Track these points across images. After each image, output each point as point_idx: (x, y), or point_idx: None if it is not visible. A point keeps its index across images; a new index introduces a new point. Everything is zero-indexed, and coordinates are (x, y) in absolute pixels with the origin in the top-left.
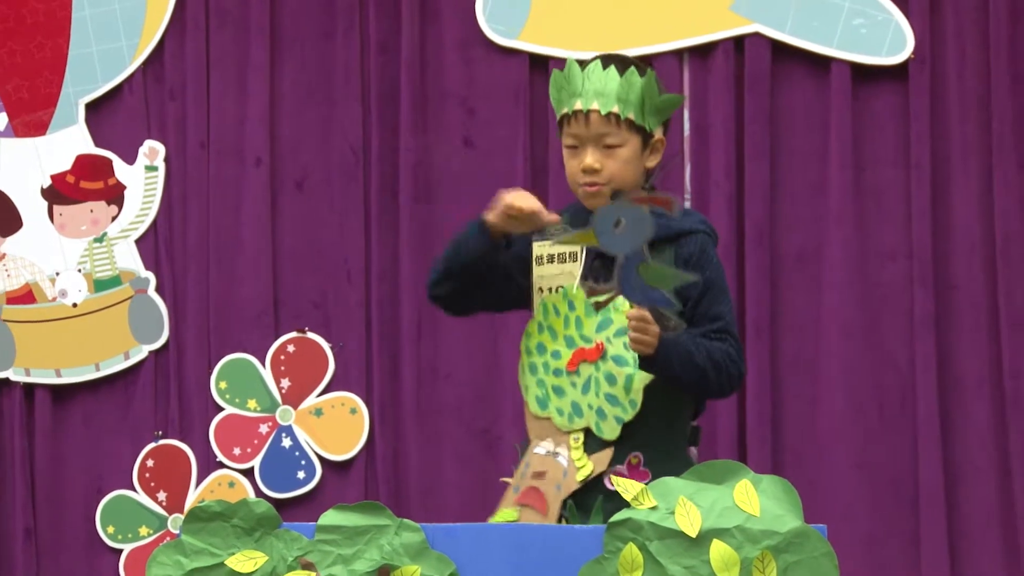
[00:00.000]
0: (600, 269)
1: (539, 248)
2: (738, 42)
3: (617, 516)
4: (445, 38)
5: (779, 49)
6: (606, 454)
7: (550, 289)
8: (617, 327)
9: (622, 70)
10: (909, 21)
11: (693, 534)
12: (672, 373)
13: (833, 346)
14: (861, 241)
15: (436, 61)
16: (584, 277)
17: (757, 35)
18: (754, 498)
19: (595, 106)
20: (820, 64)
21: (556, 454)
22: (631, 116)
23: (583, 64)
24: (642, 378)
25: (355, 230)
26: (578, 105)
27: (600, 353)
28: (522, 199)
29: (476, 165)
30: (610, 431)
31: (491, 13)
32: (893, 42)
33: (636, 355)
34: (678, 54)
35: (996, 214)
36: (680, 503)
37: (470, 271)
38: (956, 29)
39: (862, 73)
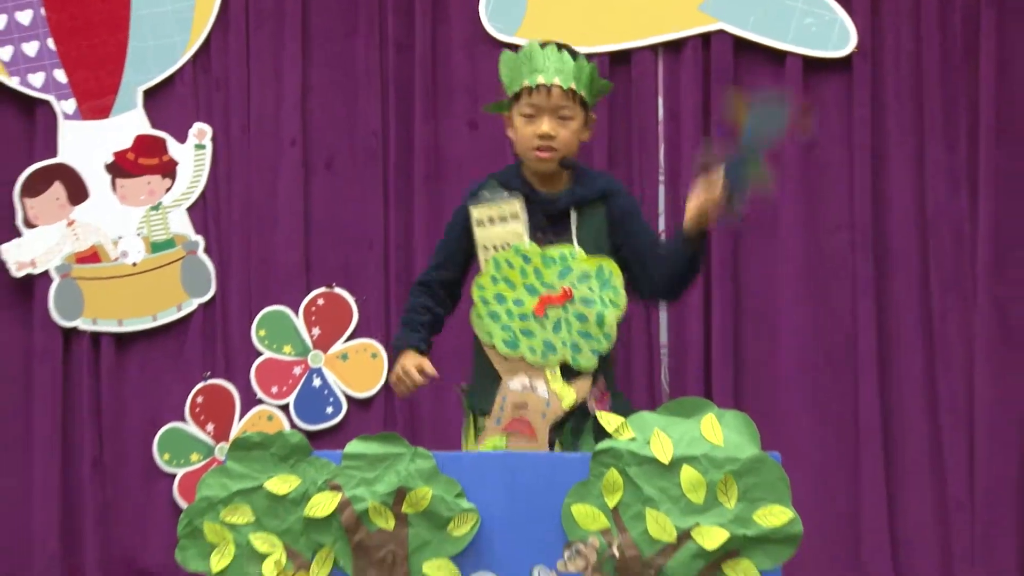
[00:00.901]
0: (547, 227)
1: (476, 212)
2: (705, 38)
3: (600, 445)
4: (453, 36)
5: (741, 44)
6: (585, 382)
7: (496, 247)
8: (579, 273)
9: (574, 55)
10: (853, 20)
11: (666, 461)
12: (704, 254)
13: (787, 302)
14: (810, 212)
15: (445, 56)
16: (533, 233)
17: (722, 32)
18: (718, 430)
19: (557, 81)
20: (776, 57)
21: (533, 388)
22: (583, 94)
23: (542, 46)
24: (613, 314)
25: (375, 202)
26: (541, 79)
27: (568, 297)
28: (415, 375)
29: (480, 146)
30: (587, 362)
31: (492, 13)
32: (839, 38)
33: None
34: (653, 48)
35: (927, 189)
36: (655, 434)
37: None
38: (893, 27)
39: (812, 65)
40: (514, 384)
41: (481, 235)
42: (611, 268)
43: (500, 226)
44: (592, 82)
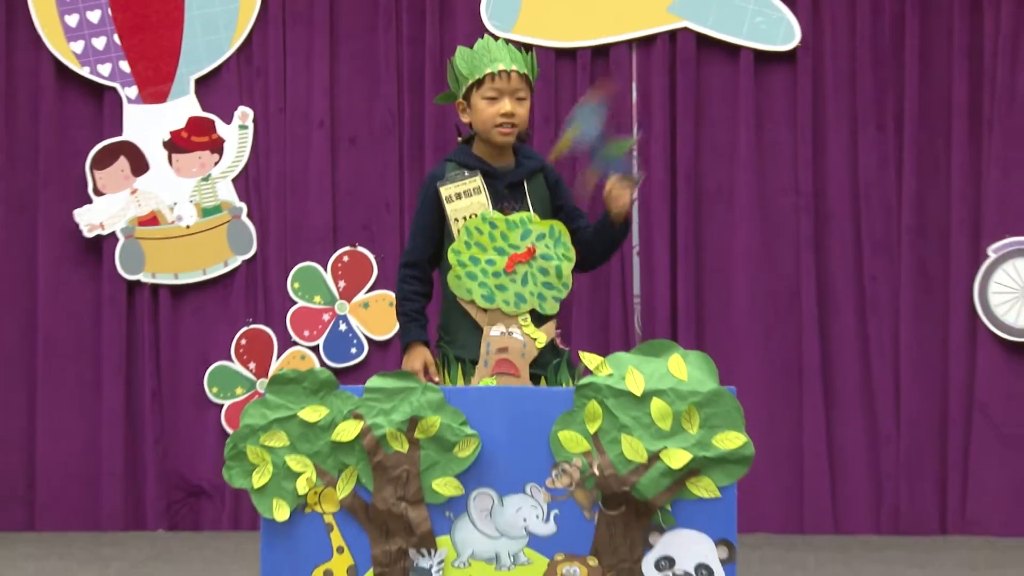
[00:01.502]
0: (509, 197)
1: (445, 191)
2: (672, 35)
3: (582, 381)
4: (457, 31)
5: (702, 40)
6: (551, 325)
7: (465, 217)
8: (537, 233)
9: (520, 48)
10: (797, 19)
11: (638, 393)
12: (626, 233)
13: (740, 258)
14: (761, 181)
15: (451, 48)
16: (494, 203)
17: (686, 29)
18: (683, 368)
19: (515, 68)
20: (732, 51)
21: (511, 333)
22: (532, 79)
23: (495, 40)
24: (567, 266)
25: (392, 174)
26: (502, 67)
27: (532, 255)
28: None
29: None
30: (551, 308)
31: (491, 12)
32: (785, 34)
33: (616, 216)
34: (628, 43)
35: (859, 163)
36: (629, 371)
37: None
38: (832, 25)
39: (762, 57)
40: (494, 332)
41: (451, 209)
42: (560, 228)
43: (466, 200)
44: (535, 71)
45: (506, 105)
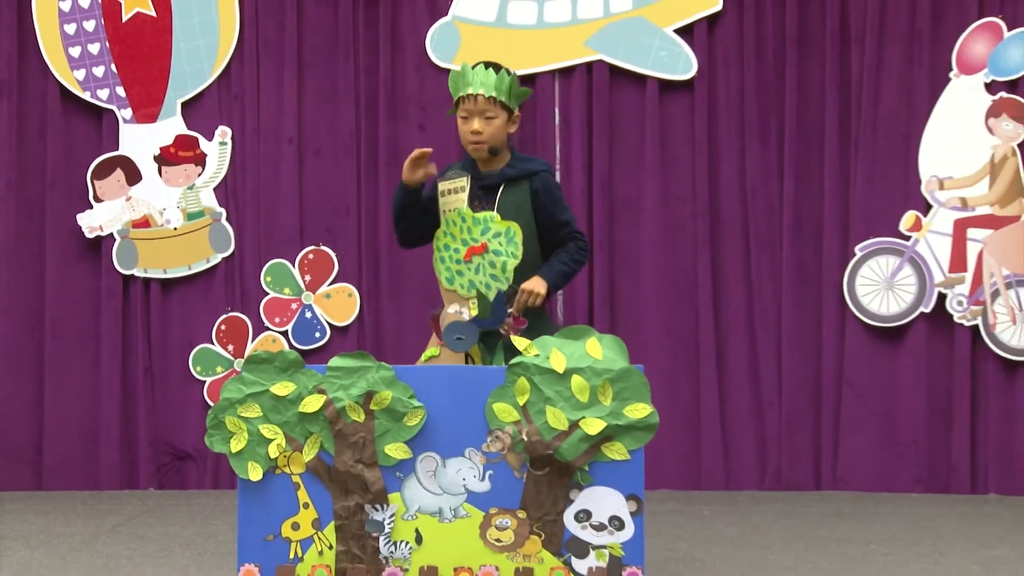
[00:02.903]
0: (482, 196)
1: (442, 185)
2: (589, 66)
3: (513, 361)
4: (407, 62)
5: (615, 70)
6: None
7: (449, 210)
8: (494, 231)
9: (497, 71)
10: (694, 52)
11: (561, 371)
12: (565, 284)
13: (647, 255)
14: (664, 189)
15: (401, 77)
16: (471, 202)
17: (601, 61)
18: (598, 349)
19: (481, 92)
20: (639, 80)
21: (461, 312)
22: (502, 99)
23: (473, 66)
24: (511, 263)
25: (350, 183)
26: (470, 91)
27: (484, 249)
28: (414, 152)
29: (426, 143)
30: (493, 296)
31: (435, 46)
32: (684, 66)
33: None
34: (552, 73)
35: (747, 173)
36: (553, 352)
37: (406, 213)
38: (724, 58)
39: (665, 85)
40: (451, 309)
41: (442, 201)
42: (515, 229)
43: (453, 196)
44: (511, 89)
45: (474, 124)
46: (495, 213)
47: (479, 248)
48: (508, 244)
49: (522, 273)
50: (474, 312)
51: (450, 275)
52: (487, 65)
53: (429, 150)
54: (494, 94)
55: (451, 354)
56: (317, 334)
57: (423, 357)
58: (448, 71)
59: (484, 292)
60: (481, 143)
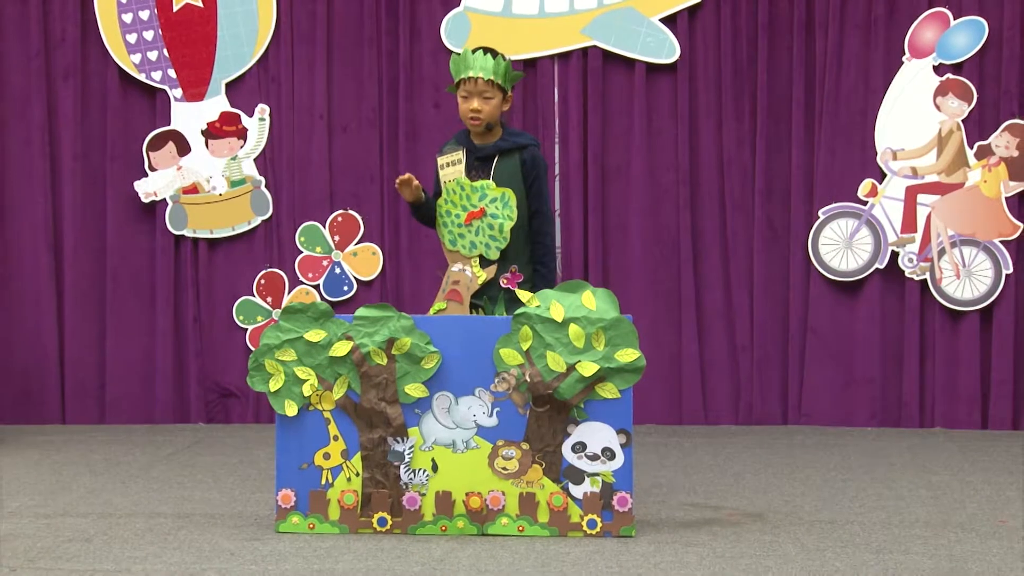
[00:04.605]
0: (478, 167)
1: (440, 160)
2: (584, 51)
3: (517, 312)
4: (424, 48)
5: (607, 55)
6: (492, 268)
7: (448, 181)
8: (491, 197)
9: (494, 56)
10: (677, 39)
11: (559, 320)
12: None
13: (635, 218)
14: (650, 160)
15: (419, 60)
16: (467, 171)
17: (595, 47)
18: (592, 301)
19: (481, 75)
20: (629, 63)
21: (464, 270)
22: (499, 82)
23: (473, 51)
24: (508, 225)
25: (374, 154)
26: (471, 73)
27: (483, 213)
28: (400, 179)
29: (440, 119)
30: (494, 255)
31: (449, 33)
32: (668, 50)
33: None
34: (551, 57)
35: (723, 145)
36: (552, 303)
37: (419, 213)
38: (703, 44)
39: (652, 68)
40: (455, 268)
41: (442, 173)
42: (510, 195)
43: (451, 168)
44: (507, 73)
45: (473, 103)
46: (491, 181)
47: (478, 213)
48: (504, 208)
49: (515, 233)
50: (476, 270)
51: (452, 238)
52: (486, 51)
53: (406, 176)
54: (492, 77)
55: (457, 306)
56: (345, 287)
57: (432, 310)
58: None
59: (484, 252)
60: (479, 120)
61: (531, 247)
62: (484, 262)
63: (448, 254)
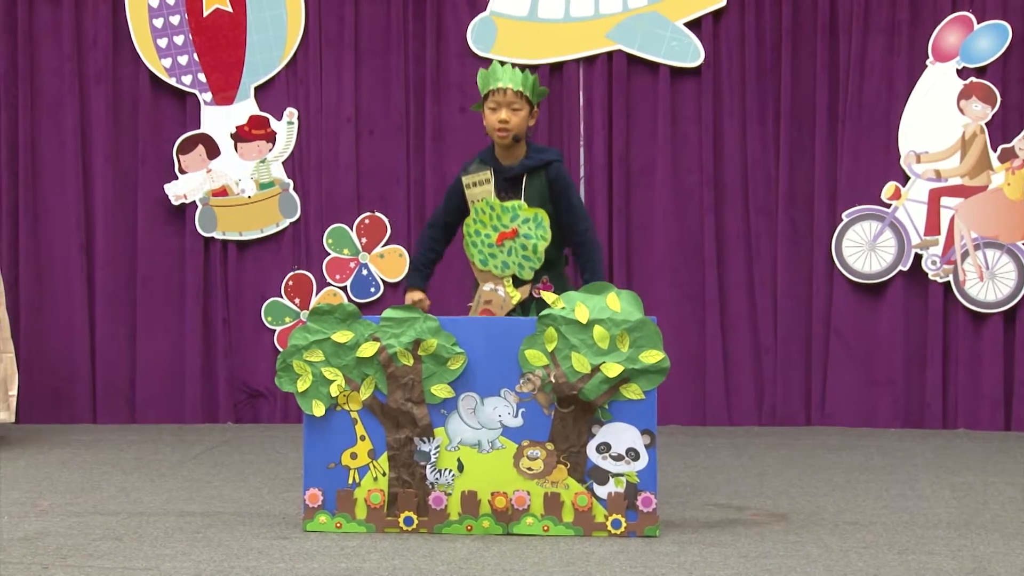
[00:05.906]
0: (508, 187)
1: (466, 179)
2: (609, 55)
3: (542, 313)
4: (450, 52)
5: (632, 59)
6: (525, 288)
7: (476, 200)
8: (523, 218)
9: (522, 69)
10: (701, 43)
11: (584, 321)
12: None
13: (659, 220)
14: (675, 162)
15: (445, 65)
16: (497, 192)
17: (620, 51)
18: (617, 302)
19: (510, 86)
20: (653, 67)
21: (497, 289)
22: (527, 94)
23: (501, 64)
24: (542, 245)
25: (401, 158)
26: (500, 85)
27: (515, 234)
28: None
29: (466, 122)
30: (527, 275)
31: (475, 37)
32: (693, 54)
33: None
34: (576, 61)
35: (747, 149)
36: (577, 305)
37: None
38: (727, 48)
39: (676, 72)
40: (486, 287)
41: (469, 193)
42: (543, 215)
43: (479, 187)
44: (534, 88)
45: (502, 114)
46: (522, 202)
47: (510, 233)
48: (537, 228)
49: (547, 252)
50: (508, 288)
51: (483, 257)
52: (513, 65)
53: (417, 299)
54: (521, 88)
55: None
56: (372, 289)
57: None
58: (486, 60)
59: (518, 273)
60: (507, 131)
61: (580, 258)
62: (517, 282)
63: (478, 273)
